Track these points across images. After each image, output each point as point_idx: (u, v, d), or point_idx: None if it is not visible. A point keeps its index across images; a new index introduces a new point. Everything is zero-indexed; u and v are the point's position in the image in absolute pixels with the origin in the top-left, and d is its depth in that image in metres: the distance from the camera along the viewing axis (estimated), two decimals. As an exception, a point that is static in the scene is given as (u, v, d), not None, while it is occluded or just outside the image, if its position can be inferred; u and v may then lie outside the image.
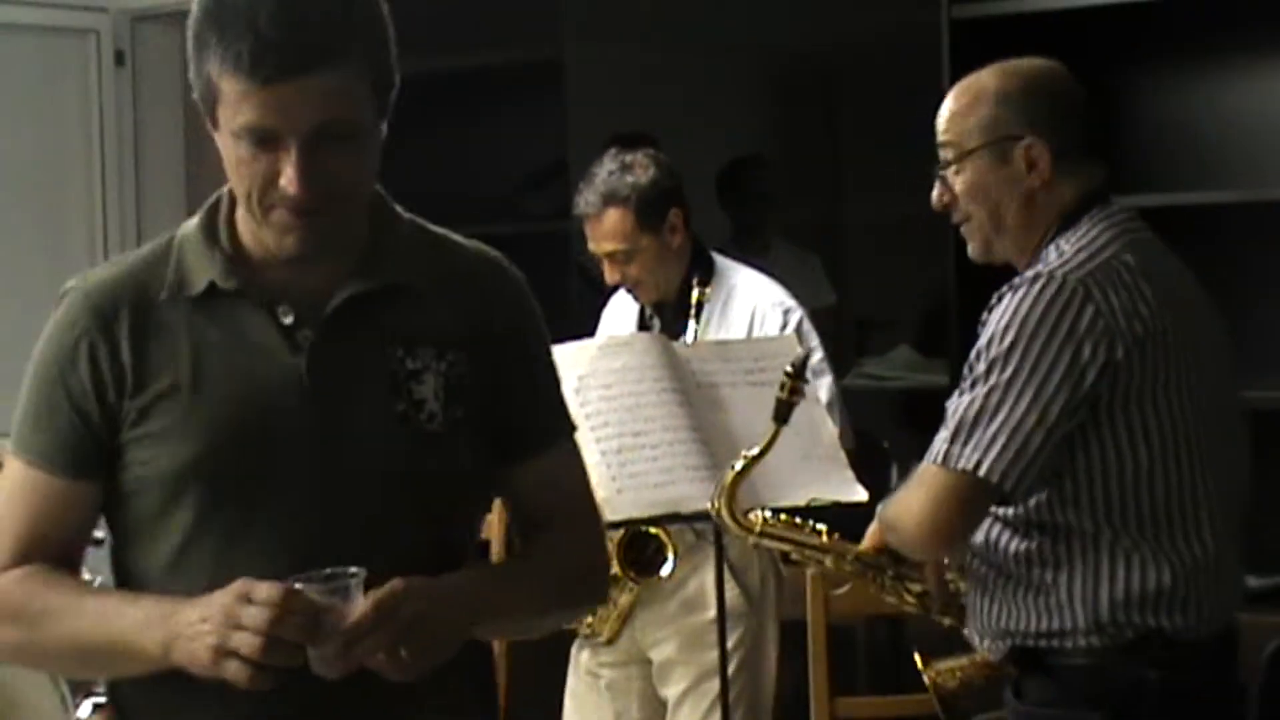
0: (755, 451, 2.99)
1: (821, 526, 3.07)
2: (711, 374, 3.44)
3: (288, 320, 2.02)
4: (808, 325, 3.75)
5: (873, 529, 2.90)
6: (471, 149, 5.58)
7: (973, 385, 2.58)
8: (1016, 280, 2.61)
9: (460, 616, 1.99)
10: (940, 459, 2.58)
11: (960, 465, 2.54)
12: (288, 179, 1.92)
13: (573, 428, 2.21)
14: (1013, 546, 2.63)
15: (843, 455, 3.39)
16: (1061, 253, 2.62)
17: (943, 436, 2.58)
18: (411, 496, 2.03)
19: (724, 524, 3.07)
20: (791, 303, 3.80)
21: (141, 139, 6.18)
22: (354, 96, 1.93)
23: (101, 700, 3.43)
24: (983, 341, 2.60)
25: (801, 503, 3.26)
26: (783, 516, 3.12)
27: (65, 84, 6.06)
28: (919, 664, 2.89)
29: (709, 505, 3.07)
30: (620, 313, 3.93)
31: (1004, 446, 2.52)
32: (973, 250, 2.78)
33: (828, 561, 3.01)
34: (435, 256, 2.12)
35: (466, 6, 5.55)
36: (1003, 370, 2.54)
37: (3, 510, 2.07)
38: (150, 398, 2.01)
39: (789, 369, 2.92)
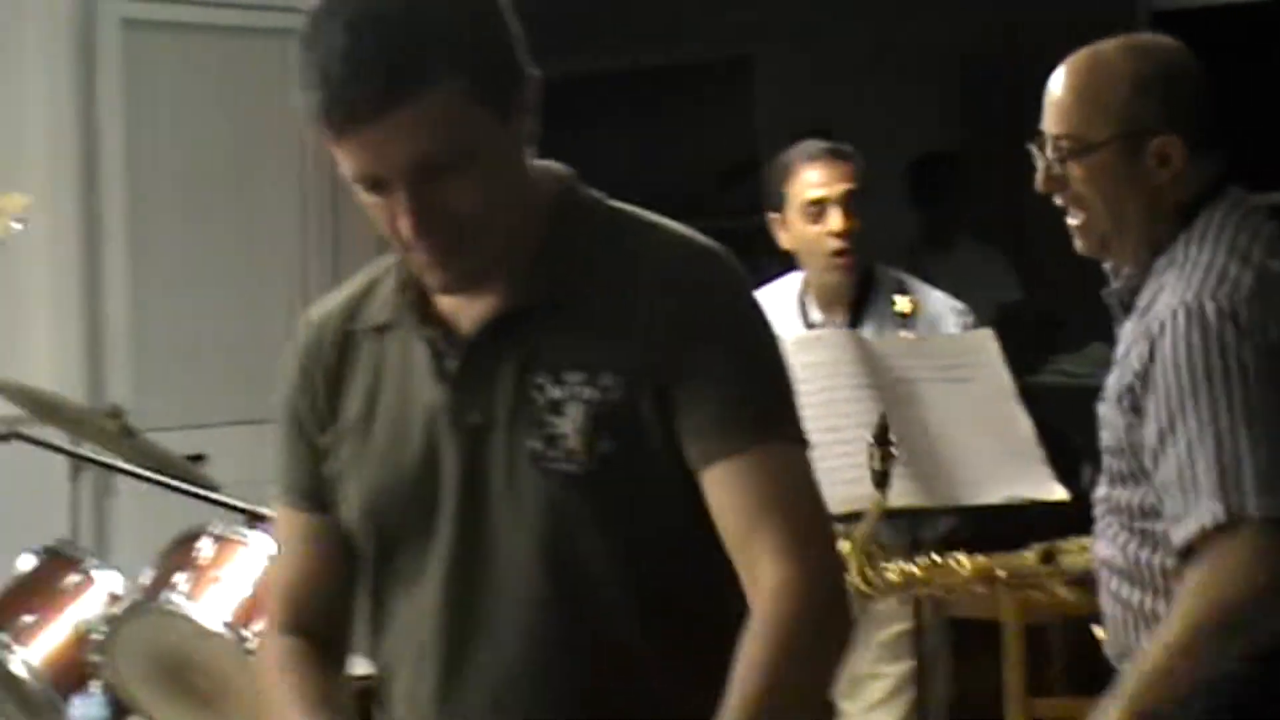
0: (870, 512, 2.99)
1: (961, 557, 3.05)
2: (908, 369, 3.42)
3: (440, 349, 1.88)
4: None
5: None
6: (661, 147, 5.62)
7: (1172, 438, 2.33)
8: (1178, 309, 2.37)
9: None
10: (1223, 518, 2.25)
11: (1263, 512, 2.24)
12: (403, 225, 1.78)
13: (769, 435, 1.83)
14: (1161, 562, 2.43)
15: (1040, 452, 3.32)
16: (1200, 263, 2.41)
17: (1198, 499, 2.26)
18: (553, 554, 1.83)
19: (859, 590, 2.99)
20: (963, 306, 3.87)
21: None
22: (452, 121, 1.75)
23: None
24: (1161, 388, 2.36)
25: (999, 501, 3.22)
26: (920, 562, 3.10)
27: (262, 84, 6.18)
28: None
29: (905, 501, 3.07)
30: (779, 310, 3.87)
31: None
32: (1084, 246, 2.57)
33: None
34: (616, 261, 1.88)
35: (657, 4, 5.59)
36: (1210, 402, 2.31)
37: (279, 551, 2.08)
38: (338, 434, 1.95)
39: (871, 436, 2.91)
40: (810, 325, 3.87)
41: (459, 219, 1.79)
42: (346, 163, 1.78)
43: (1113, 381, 2.49)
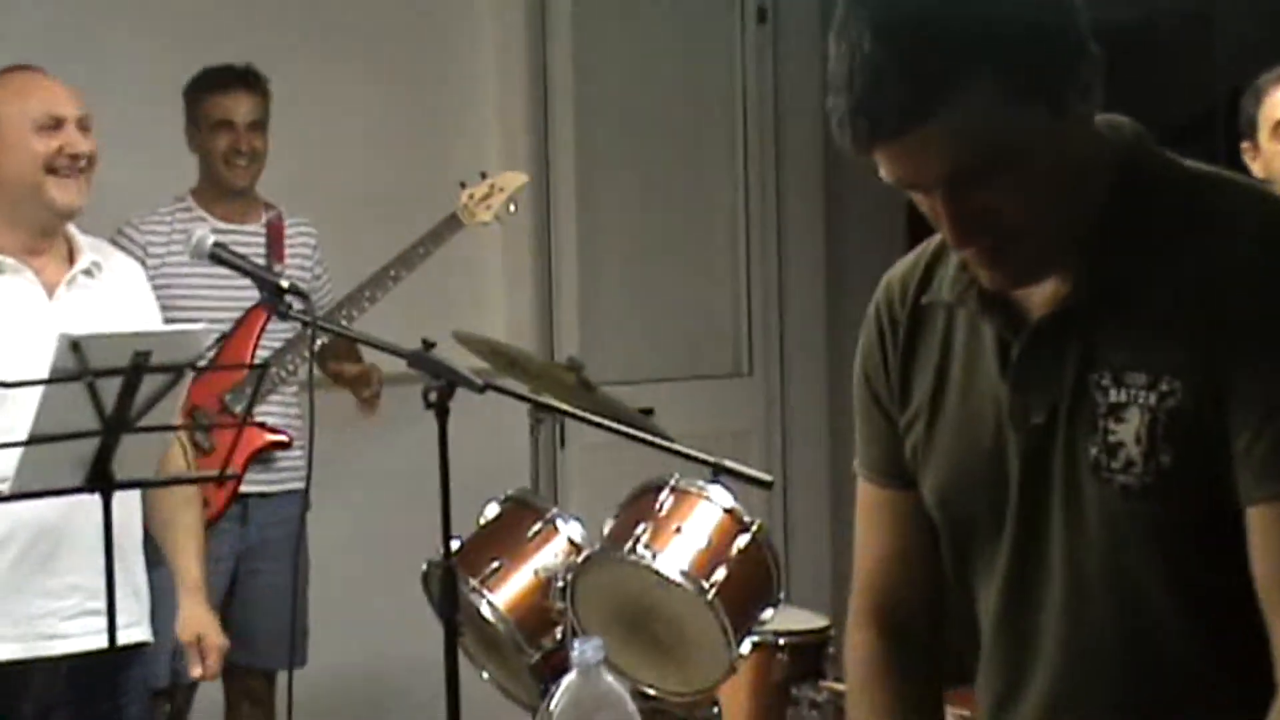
0: None
1: None
2: None
3: (1006, 335, 1.74)
4: None
5: None
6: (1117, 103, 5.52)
7: None
8: None
9: None
10: None
11: None
12: (946, 231, 1.68)
13: None
14: None
15: None
16: None
17: None
18: (1109, 571, 1.70)
19: None
20: None
21: (781, 91, 6.28)
22: (991, 127, 1.58)
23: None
24: None
25: None
26: None
27: (712, 40, 6.25)
28: None
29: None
30: None
31: None
32: None
33: None
34: (1180, 241, 1.66)
35: None
36: None
37: (857, 532, 1.98)
38: (910, 415, 1.86)
39: None
40: None
41: (1003, 223, 1.64)
42: (880, 164, 1.64)
43: None
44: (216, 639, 3.71)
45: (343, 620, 5.01)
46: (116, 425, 3.15)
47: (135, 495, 3.51)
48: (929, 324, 1.84)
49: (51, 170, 3.43)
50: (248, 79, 4.66)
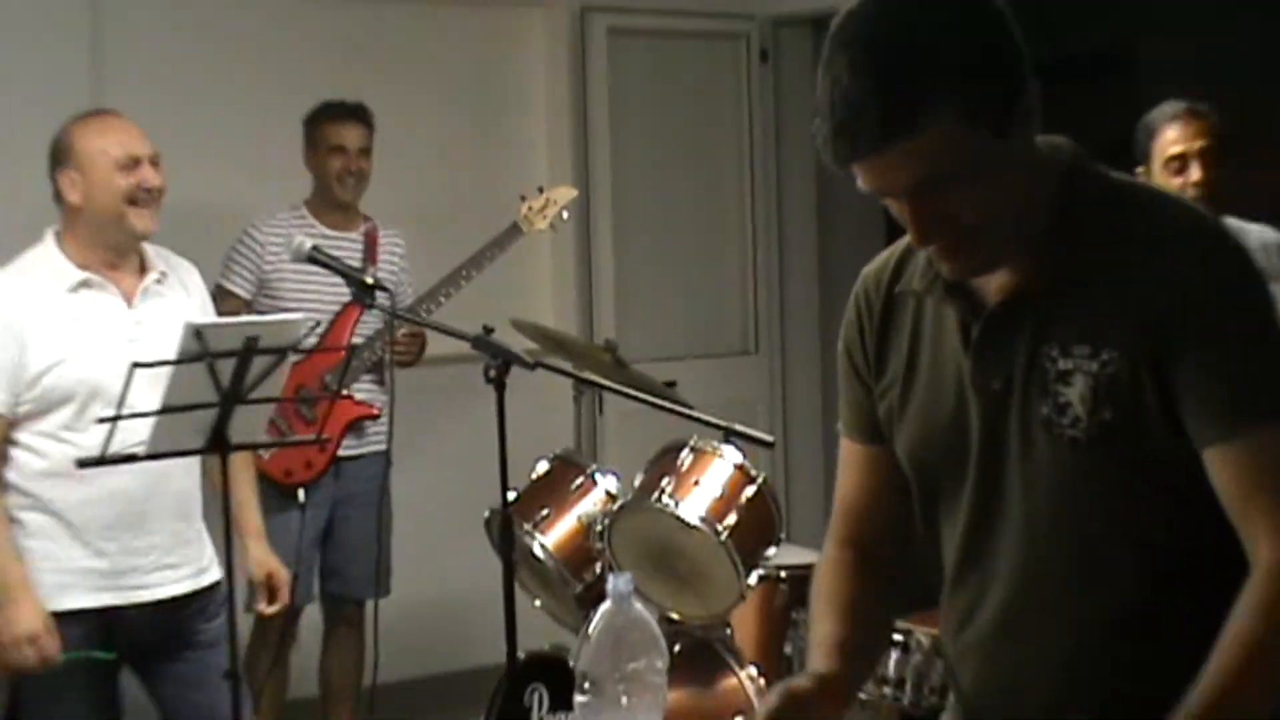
0: None
1: None
2: None
3: (966, 319, 1.74)
4: None
5: None
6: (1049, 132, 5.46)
7: None
8: None
9: None
10: None
11: None
12: (911, 231, 1.68)
13: (1265, 419, 1.60)
14: None
15: None
16: None
17: None
18: (1058, 508, 1.70)
19: None
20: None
21: (780, 117, 6.24)
22: (948, 148, 1.58)
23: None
24: None
25: None
26: None
27: (723, 75, 6.22)
28: None
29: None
30: None
31: None
32: None
33: None
34: (1115, 241, 1.67)
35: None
36: None
37: (838, 477, 1.97)
38: (885, 384, 1.85)
39: None
40: None
41: (960, 225, 1.65)
42: (858, 176, 1.64)
43: None
44: (283, 574, 3.67)
45: (420, 559, 5.02)
46: (231, 398, 3.16)
47: (197, 466, 3.48)
48: (901, 310, 1.84)
49: (131, 202, 3.38)
50: (359, 113, 4.68)
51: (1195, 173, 3.76)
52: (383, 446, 4.39)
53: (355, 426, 4.54)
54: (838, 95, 1.58)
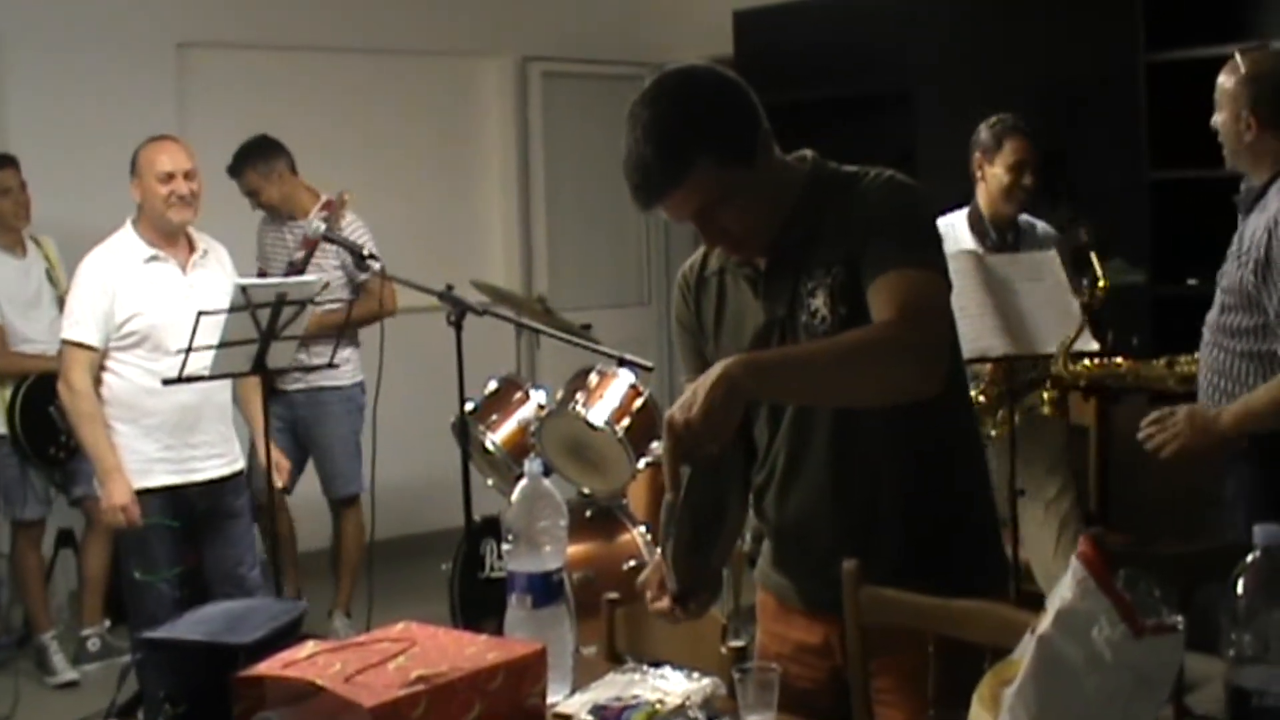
0: (1071, 335, 2.91)
1: (1119, 359, 2.90)
2: (1009, 273, 3.28)
3: (753, 277, 1.80)
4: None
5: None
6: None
7: None
8: None
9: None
10: None
11: None
12: (703, 240, 1.80)
13: (909, 263, 1.64)
14: None
15: (1083, 319, 3.12)
16: None
17: None
18: None
19: (1063, 375, 2.93)
20: (1055, 233, 3.69)
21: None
22: (711, 186, 1.66)
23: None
24: None
25: (1055, 348, 3.09)
26: (1088, 362, 2.96)
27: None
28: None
29: (1010, 351, 2.99)
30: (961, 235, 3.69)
31: None
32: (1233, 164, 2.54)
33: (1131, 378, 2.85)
34: (829, 199, 1.74)
35: (825, 48, 4.99)
36: None
37: None
38: (706, 336, 1.89)
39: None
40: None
41: (733, 234, 1.74)
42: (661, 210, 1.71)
43: (1241, 252, 2.45)
44: (286, 462, 3.80)
45: (405, 453, 4.92)
46: (269, 336, 3.32)
47: (228, 385, 3.54)
48: (709, 288, 1.90)
49: (169, 204, 3.49)
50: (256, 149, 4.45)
51: (1028, 177, 3.61)
52: (346, 382, 4.32)
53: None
54: (634, 156, 1.66)
